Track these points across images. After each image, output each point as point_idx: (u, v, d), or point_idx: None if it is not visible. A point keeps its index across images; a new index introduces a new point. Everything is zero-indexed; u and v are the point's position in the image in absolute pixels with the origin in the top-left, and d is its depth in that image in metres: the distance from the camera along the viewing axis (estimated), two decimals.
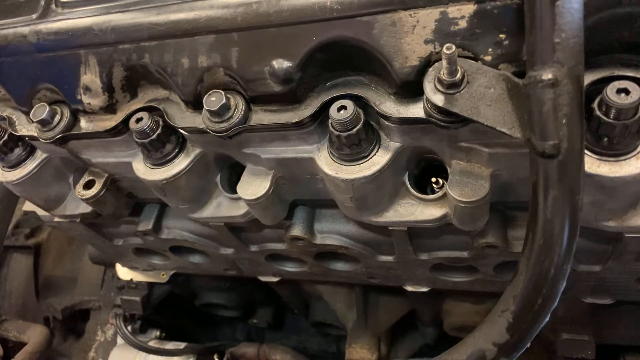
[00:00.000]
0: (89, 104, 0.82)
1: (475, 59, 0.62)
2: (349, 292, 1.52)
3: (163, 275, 1.47)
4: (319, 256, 1.09)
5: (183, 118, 0.78)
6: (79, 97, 0.81)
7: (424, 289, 1.16)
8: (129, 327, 1.51)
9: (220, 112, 0.72)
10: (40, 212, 1.12)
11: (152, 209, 1.10)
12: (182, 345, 1.49)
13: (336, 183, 0.75)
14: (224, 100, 0.71)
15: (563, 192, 0.54)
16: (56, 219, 1.12)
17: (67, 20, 0.78)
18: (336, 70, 0.71)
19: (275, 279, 1.31)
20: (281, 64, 0.69)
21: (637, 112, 0.57)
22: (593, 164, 0.62)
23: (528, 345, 0.65)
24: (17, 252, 1.84)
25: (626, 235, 0.76)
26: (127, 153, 0.89)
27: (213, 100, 0.71)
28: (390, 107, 0.68)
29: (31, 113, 0.83)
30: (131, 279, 1.53)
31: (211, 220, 0.97)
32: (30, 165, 0.96)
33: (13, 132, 0.91)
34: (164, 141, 0.82)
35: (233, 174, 0.95)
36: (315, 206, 0.99)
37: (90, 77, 0.79)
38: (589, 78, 0.61)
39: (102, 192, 0.94)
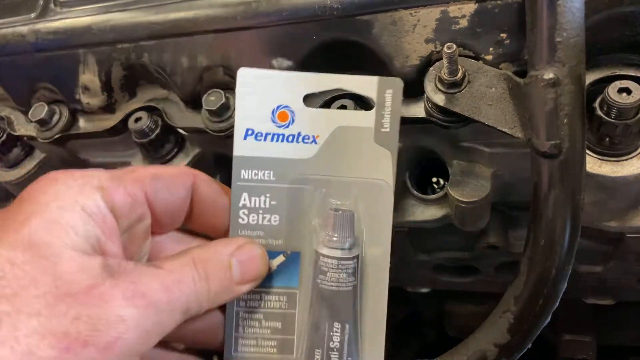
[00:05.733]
0: (87, 103, 0.81)
1: (476, 58, 0.61)
2: None
3: None
4: None
5: (182, 118, 0.78)
6: (77, 96, 0.81)
7: (425, 290, 1.16)
8: None
9: (220, 112, 0.71)
10: None
11: None
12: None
13: None
14: (223, 100, 0.70)
15: (564, 192, 0.53)
16: None
17: (65, 20, 0.77)
18: (336, 69, 0.71)
19: None
20: (281, 63, 0.68)
21: (638, 112, 0.57)
22: (594, 164, 0.61)
23: (529, 346, 0.64)
24: None
25: (628, 235, 0.76)
26: (126, 153, 0.88)
27: (212, 99, 0.71)
28: None
29: (30, 112, 0.83)
30: None
31: None
32: (29, 165, 0.96)
33: (11, 132, 0.90)
34: (163, 141, 0.81)
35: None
36: None
37: (89, 77, 0.79)
38: (590, 77, 0.60)
39: None
